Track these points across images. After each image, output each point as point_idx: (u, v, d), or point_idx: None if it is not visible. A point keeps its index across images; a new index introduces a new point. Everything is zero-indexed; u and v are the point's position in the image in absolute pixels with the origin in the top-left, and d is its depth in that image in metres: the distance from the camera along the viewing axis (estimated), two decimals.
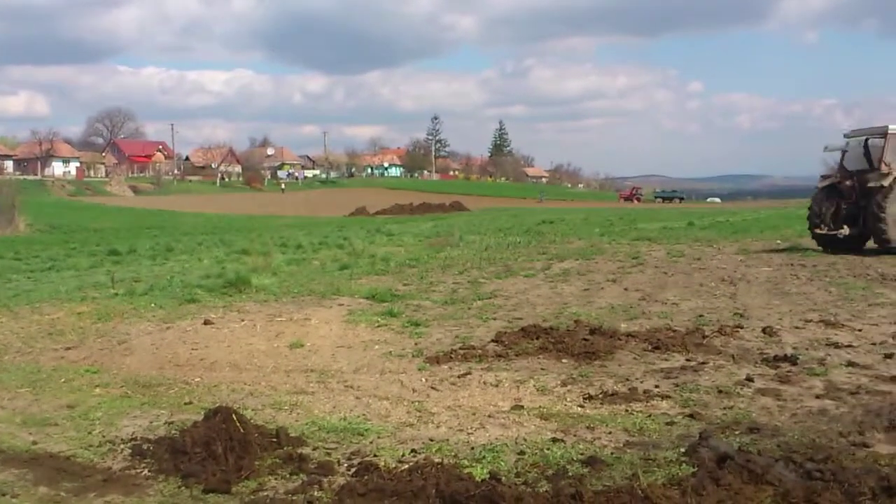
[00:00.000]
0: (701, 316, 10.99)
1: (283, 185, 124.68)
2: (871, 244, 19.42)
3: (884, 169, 18.69)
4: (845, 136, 20.36)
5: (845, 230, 19.09)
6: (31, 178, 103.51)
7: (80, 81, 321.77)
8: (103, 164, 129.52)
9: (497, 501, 4.53)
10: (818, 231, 19.61)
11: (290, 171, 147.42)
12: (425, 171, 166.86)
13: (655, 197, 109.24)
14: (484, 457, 5.61)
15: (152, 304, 12.86)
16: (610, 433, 6.15)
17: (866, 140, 19.61)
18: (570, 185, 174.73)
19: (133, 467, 5.69)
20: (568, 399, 7.22)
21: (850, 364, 7.98)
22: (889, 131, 18.98)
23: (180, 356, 9.51)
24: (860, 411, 6.43)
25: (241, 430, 5.78)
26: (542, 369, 8.28)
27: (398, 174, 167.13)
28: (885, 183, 18.49)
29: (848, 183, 19.44)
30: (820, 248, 19.73)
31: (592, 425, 6.36)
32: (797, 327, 10.04)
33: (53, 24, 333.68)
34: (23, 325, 11.60)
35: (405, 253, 22.00)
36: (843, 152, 20.05)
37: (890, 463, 5.15)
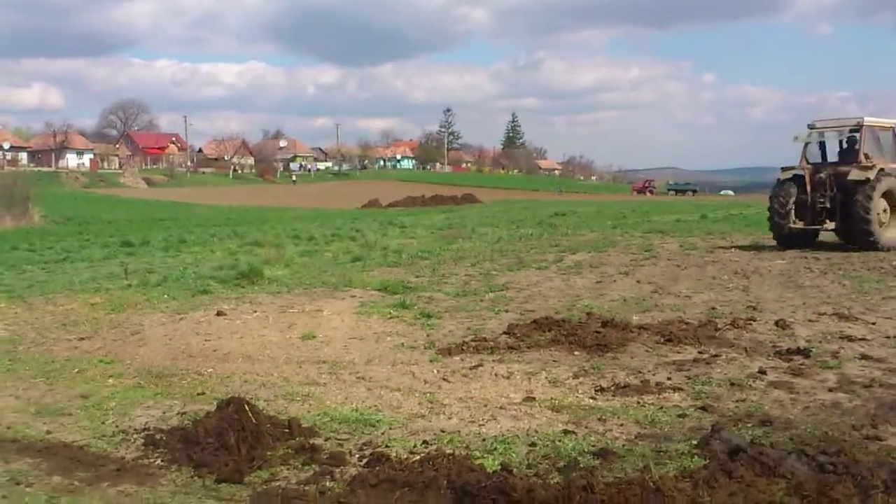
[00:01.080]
0: (713, 309, 10.95)
1: (294, 178, 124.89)
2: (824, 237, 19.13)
3: (865, 162, 17.97)
4: (810, 126, 19.33)
5: (829, 225, 18.36)
6: (45, 169, 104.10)
7: (93, 74, 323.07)
8: (117, 155, 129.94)
9: (508, 493, 4.53)
10: (793, 226, 18.51)
11: (303, 163, 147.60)
12: (438, 164, 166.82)
13: (668, 189, 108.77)
14: (495, 448, 5.62)
15: (165, 296, 12.92)
16: (622, 425, 6.14)
17: (848, 132, 18.87)
18: (582, 178, 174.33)
19: (146, 457, 5.73)
20: (580, 391, 7.22)
21: (864, 357, 7.96)
22: (865, 123, 18.39)
23: (193, 347, 9.55)
24: (873, 404, 6.41)
25: (254, 421, 5.81)
26: (553, 361, 8.28)
27: (410, 166, 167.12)
28: (871, 176, 17.72)
29: (822, 175, 18.48)
30: (776, 242, 18.86)
31: (604, 417, 6.35)
32: (810, 320, 9.99)
33: (67, 16, 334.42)
34: (37, 316, 11.67)
35: (417, 245, 22.01)
36: (807, 144, 19.20)
37: None
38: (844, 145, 19.23)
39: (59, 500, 4.98)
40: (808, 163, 18.98)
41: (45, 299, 12.96)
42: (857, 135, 18.60)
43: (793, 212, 18.37)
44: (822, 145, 19.46)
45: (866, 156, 18.10)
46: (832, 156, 19.38)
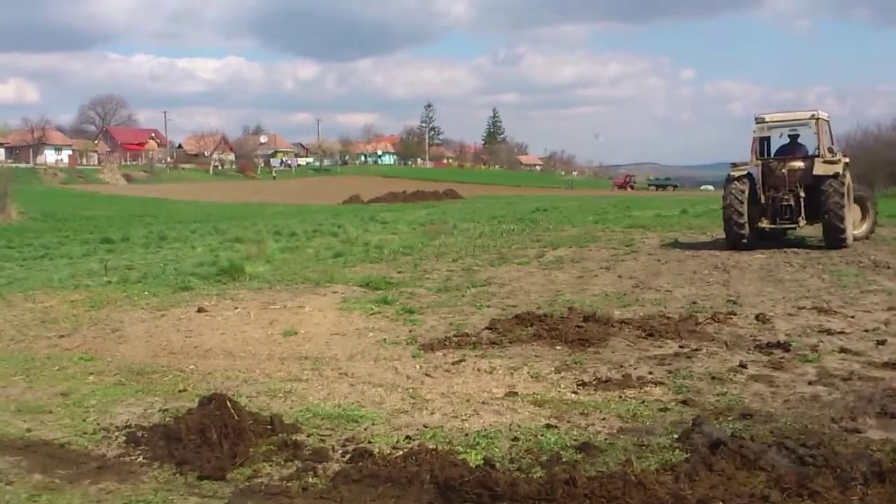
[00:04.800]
0: (694, 303, 11.01)
1: (274, 173, 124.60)
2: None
3: (828, 156, 17.31)
4: (758, 120, 18.18)
5: (802, 223, 17.49)
6: (22, 165, 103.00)
7: (70, 69, 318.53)
8: (96, 151, 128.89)
9: (491, 487, 4.55)
10: (760, 225, 17.59)
11: (283, 158, 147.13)
12: (419, 159, 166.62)
13: (649, 184, 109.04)
14: (478, 443, 5.64)
15: (146, 292, 12.85)
16: (603, 419, 6.17)
17: (797, 126, 18.26)
18: (563, 173, 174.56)
19: (127, 454, 5.70)
20: (562, 385, 7.25)
21: (843, 350, 8.02)
22: (819, 116, 17.75)
23: (174, 344, 9.51)
24: (852, 397, 6.47)
25: (236, 417, 5.79)
26: (535, 356, 8.30)
27: (392, 162, 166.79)
28: (839, 170, 16.96)
29: (784, 171, 17.67)
30: (731, 244, 17.49)
31: (586, 411, 6.38)
32: (790, 314, 10.07)
33: (41, 10, 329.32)
34: (16, 314, 11.58)
35: (399, 240, 21.99)
36: (763, 139, 18.43)
37: (881, 448, 5.18)
38: (787, 139, 18.73)
39: (40, 498, 4.95)
40: (757, 158, 18.20)
41: (24, 296, 12.86)
42: (803, 128, 18.14)
43: (745, 210, 17.28)
44: (765, 140, 18.66)
45: (830, 150, 17.62)
46: (774, 150, 18.77)
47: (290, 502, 4.78)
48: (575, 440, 5.62)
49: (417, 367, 8.08)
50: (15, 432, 6.28)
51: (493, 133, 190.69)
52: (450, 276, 14.29)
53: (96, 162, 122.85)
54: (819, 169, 17.15)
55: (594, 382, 7.23)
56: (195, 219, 40.72)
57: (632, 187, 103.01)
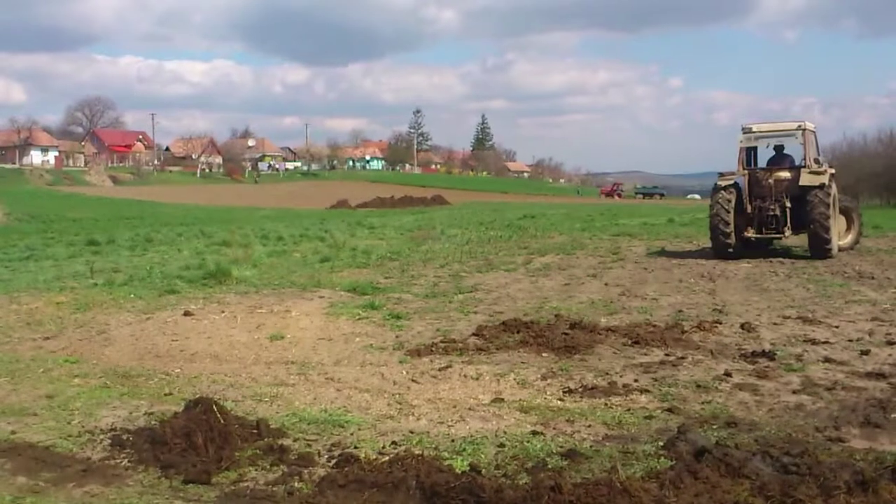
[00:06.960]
0: (680, 311, 11.06)
1: (257, 177, 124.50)
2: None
3: (814, 167, 17.49)
4: (745, 131, 18.33)
5: (787, 232, 17.58)
6: (8, 166, 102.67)
7: (57, 69, 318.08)
8: (83, 153, 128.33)
9: (477, 493, 4.55)
10: (747, 234, 17.74)
11: (272, 162, 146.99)
12: (407, 165, 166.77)
13: (636, 193, 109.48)
14: (464, 449, 5.64)
15: (132, 295, 12.79)
16: (589, 426, 6.19)
17: (783, 136, 18.41)
18: (551, 181, 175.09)
19: (112, 458, 5.68)
20: (548, 392, 7.26)
21: (827, 360, 8.07)
22: (806, 127, 17.87)
23: (160, 347, 9.48)
24: (836, 407, 6.52)
25: (222, 422, 5.78)
26: (522, 363, 8.32)
27: (380, 167, 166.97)
28: (825, 181, 17.11)
29: (770, 181, 17.88)
30: (717, 253, 17.67)
31: (572, 419, 6.40)
32: (775, 323, 10.12)
33: (28, 10, 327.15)
34: (0, 315, 11.50)
35: (386, 246, 21.98)
36: (750, 149, 18.52)
37: (864, 457, 5.22)
38: (773, 150, 18.82)
39: (24, 501, 4.92)
40: (744, 168, 18.28)
41: (8, 298, 12.78)
42: (789, 139, 18.25)
43: (732, 220, 17.38)
44: (751, 150, 18.76)
45: (816, 161, 17.76)
46: (761, 161, 18.82)
47: None
48: (561, 447, 5.63)
49: (404, 372, 8.09)
50: None
51: (482, 139, 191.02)
52: (437, 282, 14.30)
53: (83, 163, 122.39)
54: (805, 179, 17.28)
55: (580, 390, 7.26)
56: (182, 222, 40.54)
57: (619, 195, 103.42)
